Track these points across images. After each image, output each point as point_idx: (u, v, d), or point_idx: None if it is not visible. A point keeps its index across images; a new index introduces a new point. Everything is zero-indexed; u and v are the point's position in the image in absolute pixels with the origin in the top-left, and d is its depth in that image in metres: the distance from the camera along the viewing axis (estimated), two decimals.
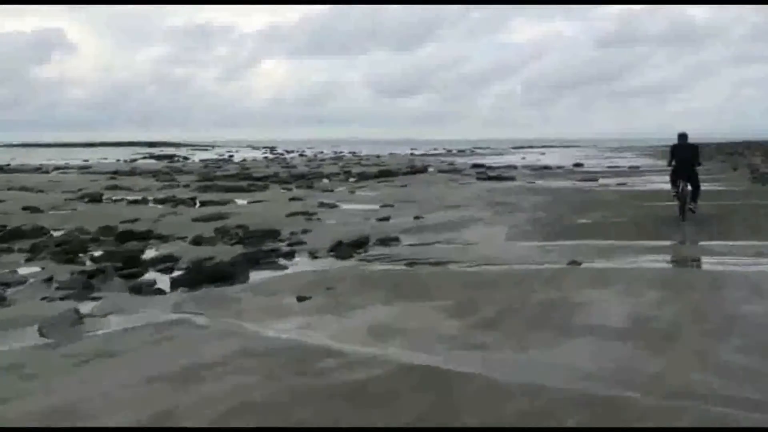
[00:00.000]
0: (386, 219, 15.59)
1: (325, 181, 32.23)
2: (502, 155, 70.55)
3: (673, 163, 13.42)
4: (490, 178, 29.86)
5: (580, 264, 9.07)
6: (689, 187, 13.17)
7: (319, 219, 15.79)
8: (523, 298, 7.06)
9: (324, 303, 7.36)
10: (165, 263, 10.87)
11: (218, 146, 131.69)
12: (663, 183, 23.95)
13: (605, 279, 7.77)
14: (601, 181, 26.03)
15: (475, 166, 42.03)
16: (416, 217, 15.71)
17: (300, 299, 7.64)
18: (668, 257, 9.65)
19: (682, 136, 13.58)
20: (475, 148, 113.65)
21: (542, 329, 5.88)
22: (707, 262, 9.25)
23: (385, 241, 12.42)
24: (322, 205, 18.85)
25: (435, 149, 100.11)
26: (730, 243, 10.41)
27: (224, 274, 9.56)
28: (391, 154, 77.64)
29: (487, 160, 53.29)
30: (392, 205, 18.85)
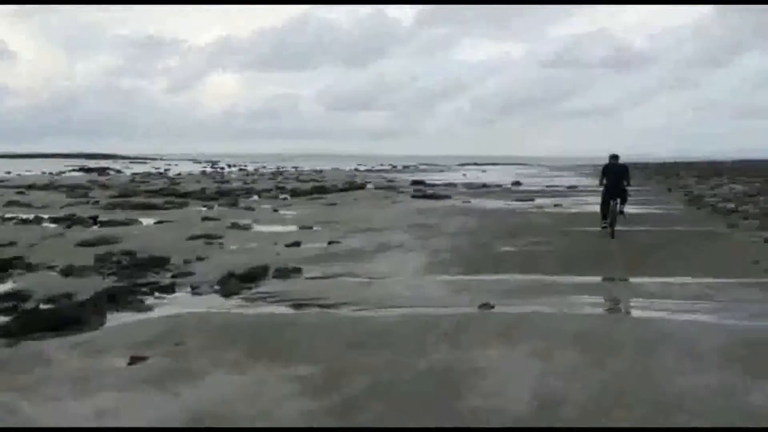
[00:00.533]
0: (297, 244, 13.96)
1: (255, 198, 30.40)
2: (445, 172, 69.82)
3: (605, 182, 13.97)
4: (425, 197, 28.56)
5: (492, 307, 7.63)
6: (618, 202, 13.74)
7: (221, 244, 14.03)
8: (408, 362, 5.53)
9: (158, 368, 5.67)
10: (7, 302, 8.97)
11: (162, 159, 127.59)
12: (597, 204, 23.03)
13: (516, 332, 6.32)
14: (537, 201, 24.99)
15: (414, 183, 40.81)
16: (330, 242, 14.13)
17: (133, 361, 5.93)
18: (595, 299, 8.31)
19: (614, 157, 14.09)
20: (421, 164, 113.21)
21: (414, 418, 4.34)
22: (638, 307, 7.94)
23: (284, 273, 10.79)
24: (233, 226, 17.08)
25: (382, 165, 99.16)
26: (665, 280, 9.17)
27: (68, 319, 7.76)
28: (336, 169, 76.08)
29: (429, 177, 52.22)
30: (311, 227, 17.23)
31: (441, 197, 28.34)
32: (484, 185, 37.21)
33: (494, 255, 11.79)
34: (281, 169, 76.42)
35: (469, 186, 37.49)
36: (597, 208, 14.75)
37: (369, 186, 39.22)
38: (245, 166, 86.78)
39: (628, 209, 14.94)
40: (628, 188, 14.00)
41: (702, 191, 27.89)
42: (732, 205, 19.85)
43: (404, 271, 10.42)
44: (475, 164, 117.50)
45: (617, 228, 13.54)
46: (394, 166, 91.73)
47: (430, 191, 32.56)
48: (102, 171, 63.28)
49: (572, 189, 33.35)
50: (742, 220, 16.03)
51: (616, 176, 13.75)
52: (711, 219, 17.06)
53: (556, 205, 22.44)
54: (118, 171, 65.94)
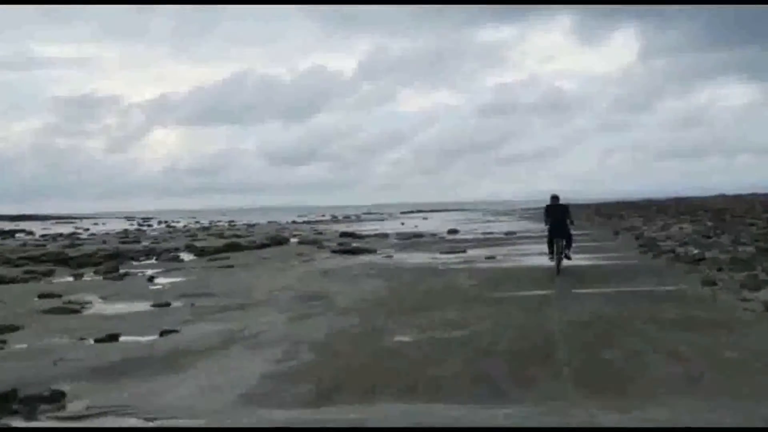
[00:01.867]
0: (114, 338, 9.59)
1: (149, 260, 25.77)
2: (385, 221, 66.25)
3: (549, 222, 14.05)
4: (345, 252, 24.46)
5: None
6: (563, 242, 13.72)
7: (2, 342, 9.51)
8: None
9: None
10: None
11: (95, 218, 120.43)
12: (535, 255, 19.47)
13: None
14: (469, 252, 21.15)
15: (342, 235, 36.72)
16: (165, 332, 9.86)
17: None
18: None
19: (555, 198, 14.15)
20: (364, 213, 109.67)
21: None
22: None
23: (30, 406, 6.43)
24: (59, 308, 12.56)
25: (323, 216, 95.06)
26: (620, 416, 5.16)
27: None
28: (273, 222, 71.56)
29: (364, 228, 48.31)
30: (168, 304, 12.89)
31: (363, 252, 24.30)
32: (417, 235, 33.37)
33: (379, 354, 7.66)
34: (213, 224, 71.50)
35: (402, 236, 33.60)
36: (533, 261, 14.73)
37: (293, 240, 34.99)
38: (177, 222, 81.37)
39: (578, 260, 14.44)
40: (572, 227, 14.09)
41: (652, 234, 24.57)
42: (695, 251, 16.31)
43: (219, 398, 6.17)
44: (419, 211, 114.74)
45: (566, 263, 13.68)
46: (335, 217, 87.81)
47: (355, 244, 28.53)
48: (6, 234, 57.14)
49: (510, 235, 29.76)
50: (716, 272, 12.39)
51: (558, 216, 13.88)
52: (676, 272, 13.39)
53: (488, 258, 18.58)
54: (29, 233, 59.85)
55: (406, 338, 8.30)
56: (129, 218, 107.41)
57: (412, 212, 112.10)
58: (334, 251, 25.35)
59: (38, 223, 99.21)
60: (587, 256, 17.72)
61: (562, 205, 14.11)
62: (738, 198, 65.40)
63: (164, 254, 28.02)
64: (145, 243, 36.71)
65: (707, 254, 15.18)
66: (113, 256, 27.08)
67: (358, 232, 39.05)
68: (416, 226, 46.41)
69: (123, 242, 38.24)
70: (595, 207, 75.33)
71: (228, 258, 24.80)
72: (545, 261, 14.70)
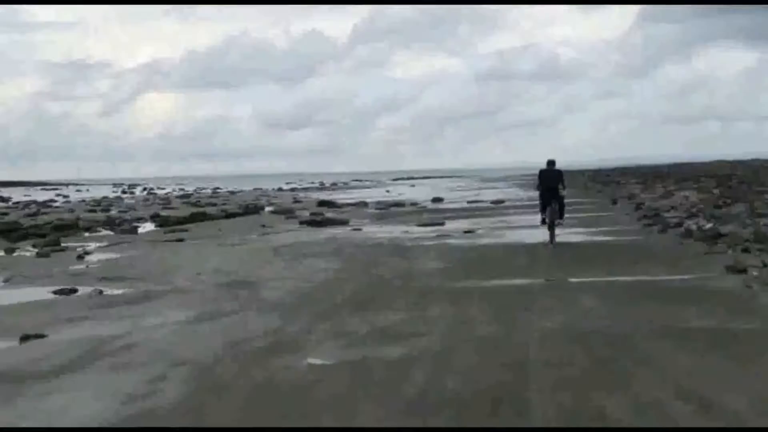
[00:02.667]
0: None
1: (98, 231, 23.30)
2: (373, 188, 63.78)
3: (541, 187, 13.49)
4: (313, 223, 21.94)
5: None
6: (556, 207, 13.16)
7: None
8: None
9: None
10: None
11: (78, 184, 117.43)
12: (520, 227, 16.96)
13: None
14: (448, 225, 18.61)
15: (320, 204, 34.14)
16: (25, 338, 7.43)
17: None
18: None
19: (551, 162, 13.61)
20: (355, 180, 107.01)
21: None
22: None
23: None
24: None
25: (312, 183, 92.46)
26: None
27: None
28: (257, 189, 68.93)
29: (347, 196, 45.75)
30: (73, 291, 10.47)
31: (333, 223, 21.78)
32: (397, 204, 30.78)
33: (271, 396, 5.17)
34: (197, 191, 68.87)
35: (381, 205, 31.02)
36: (517, 236, 13.58)
37: (267, 209, 32.44)
38: (162, 189, 78.69)
39: (570, 235, 13.73)
40: (563, 192, 13.42)
41: (654, 202, 22.03)
42: (708, 225, 13.78)
43: None
44: (410, 178, 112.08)
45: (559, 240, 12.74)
46: (323, 184, 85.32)
47: (329, 214, 25.99)
48: None
49: (497, 204, 27.16)
50: (742, 254, 9.87)
51: (550, 181, 13.36)
52: (690, 252, 10.85)
53: (467, 232, 16.03)
54: (5, 199, 57.21)
55: (320, 360, 5.78)
56: (116, 185, 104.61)
57: (403, 179, 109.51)
58: (302, 222, 22.83)
59: (22, 189, 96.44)
60: (582, 230, 15.22)
61: (556, 170, 13.51)
62: (740, 164, 62.59)
63: (124, 225, 25.48)
64: (113, 212, 34.18)
65: (724, 229, 12.62)
66: (62, 227, 24.59)
67: (338, 201, 36.49)
68: (401, 194, 43.86)
69: (90, 210, 35.70)
70: (591, 173, 72.60)
71: (186, 230, 22.28)
72: (530, 237, 13.38)
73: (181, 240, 18.74)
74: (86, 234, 22.71)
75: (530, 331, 6.23)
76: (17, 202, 51.01)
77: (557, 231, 13.00)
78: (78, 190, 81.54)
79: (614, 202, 23.68)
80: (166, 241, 18.83)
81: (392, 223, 20.81)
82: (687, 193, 25.40)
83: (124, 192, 71.88)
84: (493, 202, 27.88)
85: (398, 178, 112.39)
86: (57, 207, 41.38)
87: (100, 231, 23.71)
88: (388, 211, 27.08)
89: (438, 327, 6.58)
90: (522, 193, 36.81)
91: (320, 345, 6.31)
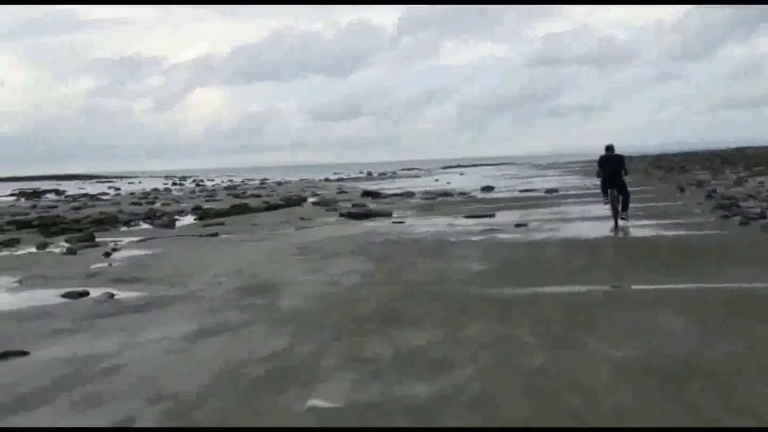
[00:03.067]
0: None
1: (135, 225, 22.80)
2: (421, 177, 62.42)
3: (602, 173, 13.15)
4: (355, 216, 20.77)
5: None
6: (619, 196, 12.86)
7: None
8: None
9: None
10: None
11: (133, 177, 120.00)
12: (577, 219, 15.19)
13: None
14: (498, 217, 17.11)
15: (364, 194, 32.97)
16: (4, 356, 6.45)
17: None
18: None
19: (609, 148, 13.23)
20: (403, 169, 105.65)
21: None
22: None
23: None
24: None
25: (361, 173, 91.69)
26: None
27: None
28: (303, 180, 68.49)
29: (393, 185, 44.52)
30: (84, 294, 9.57)
31: (375, 216, 20.55)
32: (445, 194, 29.32)
33: None
34: (245, 182, 68.87)
35: (428, 195, 29.62)
36: (574, 230, 12.75)
37: (309, 200, 31.49)
38: (211, 180, 79.36)
39: (638, 227, 12.66)
40: (626, 178, 13.15)
41: (726, 190, 19.93)
42: None
43: None
44: (459, 166, 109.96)
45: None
46: (371, 174, 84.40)
47: (373, 205, 24.79)
48: (36, 195, 55.73)
49: (551, 194, 25.39)
50: None
51: (612, 166, 13.00)
52: None
53: (518, 225, 14.50)
54: (60, 192, 58.37)
55: (326, 402, 4.51)
56: (168, 177, 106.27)
57: (452, 167, 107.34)
58: (342, 214, 21.69)
59: (79, 183, 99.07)
60: (649, 222, 13.52)
61: (616, 155, 13.12)
62: None
63: (163, 218, 24.91)
64: (158, 204, 33.88)
65: None
66: (102, 221, 24.19)
67: (383, 191, 35.24)
68: (449, 183, 42.29)
69: (135, 203, 35.54)
70: (651, 159, 69.08)
71: (223, 224, 21.47)
72: (590, 231, 12.41)
73: (215, 234, 17.85)
74: (124, 228, 22.22)
75: (595, 363, 4.80)
76: (70, 195, 51.75)
77: (621, 223, 12.81)
78: (130, 183, 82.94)
79: (681, 190, 21.63)
80: (200, 235, 18.00)
81: (438, 214, 19.41)
82: (762, 179, 23.08)
83: (174, 184, 72.52)
84: (546, 191, 26.12)
85: (448, 167, 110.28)
86: (105, 200, 41.55)
87: (139, 225, 23.20)
88: (435, 201, 25.66)
89: (473, 357, 5.21)
90: (576, 181, 34.79)
91: (331, 376, 5.05)
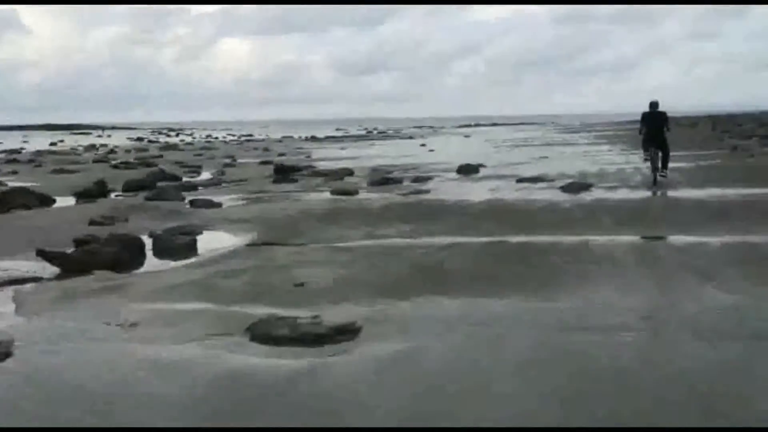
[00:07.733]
0: None
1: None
2: (405, 139, 50.08)
3: (644, 130, 12.74)
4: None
5: None
6: (660, 153, 12.52)
7: None
8: None
9: None
10: None
11: (189, 128, 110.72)
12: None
13: None
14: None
15: (278, 170, 19.93)
16: None
17: None
18: None
19: (653, 104, 12.80)
20: (416, 126, 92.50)
21: None
22: None
23: None
24: None
25: (372, 129, 79.14)
26: None
27: None
28: (329, 137, 56.56)
29: (360, 152, 31.49)
30: None
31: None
32: (390, 180, 15.95)
33: None
34: (241, 137, 59.49)
35: (374, 174, 16.52)
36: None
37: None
38: (227, 135, 69.16)
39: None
40: (668, 135, 12.58)
41: None
42: None
43: None
44: (477, 125, 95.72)
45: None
46: (369, 132, 71.95)
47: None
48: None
49: (574, 195, 11.92)
50: None
51: (655, 123, 12.54)
52: None
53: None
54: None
55: None
56: (201, 129, 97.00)
57: (469, 126, 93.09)
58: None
59: (125, 132, 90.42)
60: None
61: (659, 112, 12.65)
62: None
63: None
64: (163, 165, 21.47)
65: None
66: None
67: (320, 166, 22.24)
68: (432, 151, 29.05)
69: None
70: (705, 120, 54.56)
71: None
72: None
73: None
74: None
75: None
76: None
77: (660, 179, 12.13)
78: (190, 134, 76.72)
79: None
80: None
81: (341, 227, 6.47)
82: None
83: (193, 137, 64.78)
84: (564, 189, 12.59)
85: (463, 125, 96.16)
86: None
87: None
88: (340, 203, 12.42)
89: None
90: (617, 158, 21.10)
91: None
